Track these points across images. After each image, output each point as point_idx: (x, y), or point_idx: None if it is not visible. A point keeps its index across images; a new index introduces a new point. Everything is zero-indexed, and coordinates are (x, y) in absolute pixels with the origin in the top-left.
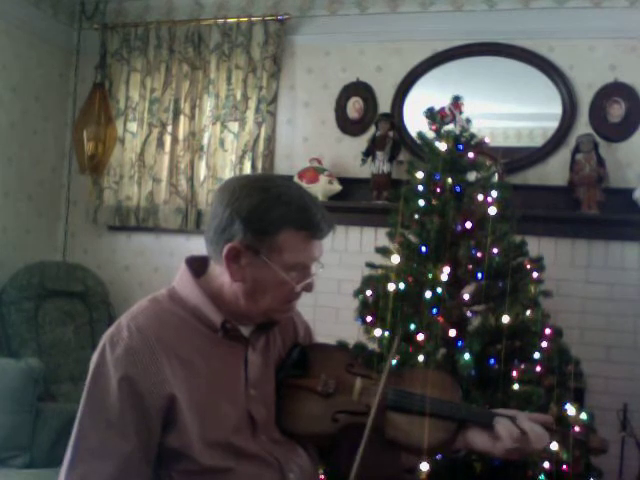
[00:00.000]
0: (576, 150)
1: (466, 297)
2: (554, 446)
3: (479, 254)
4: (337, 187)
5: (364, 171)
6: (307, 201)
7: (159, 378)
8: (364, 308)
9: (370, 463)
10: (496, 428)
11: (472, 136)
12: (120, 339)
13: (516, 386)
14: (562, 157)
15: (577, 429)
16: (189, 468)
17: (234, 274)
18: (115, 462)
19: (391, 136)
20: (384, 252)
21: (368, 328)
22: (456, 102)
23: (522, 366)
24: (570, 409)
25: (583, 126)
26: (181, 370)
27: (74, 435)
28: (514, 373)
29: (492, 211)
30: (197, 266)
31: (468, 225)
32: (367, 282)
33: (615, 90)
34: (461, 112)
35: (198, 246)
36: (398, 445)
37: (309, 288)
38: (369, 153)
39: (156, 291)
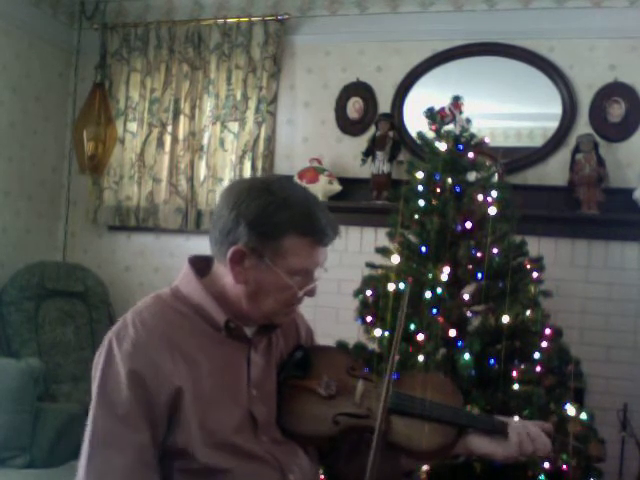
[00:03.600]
0: (576, 150)
1: (466, 297)
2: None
3: (479, 254)
4: (337, 187)
5: (364, 171)
6: (313, 206)
7: (165, 373)
8: (364, 308)
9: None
10: (510, 434)
11: (472, 136)
12: (127, 335)
13: (516, 386)
14: (562, 157)
15: (577, 433)
16: (190, 466)
17: (237, 276)
18: (130, 453)
19: (391, 136)
20: (384, 252)
21: (368, 328)
22: (456, 102)
23: (522, 366)
24: (570, 409)
25: (583, 126)
26: (184, 367)
27: (89, 431)
28: (514, 373)
29: (492, 211)
30: (200, 266)
31: (468, 225)
32: (367, 282)
33: (615, 90)
34: (461, 112)
35: (198, 246)
36: (398, 448)
37: (312, 293)
38: (369, 153)
39: (157, 290)
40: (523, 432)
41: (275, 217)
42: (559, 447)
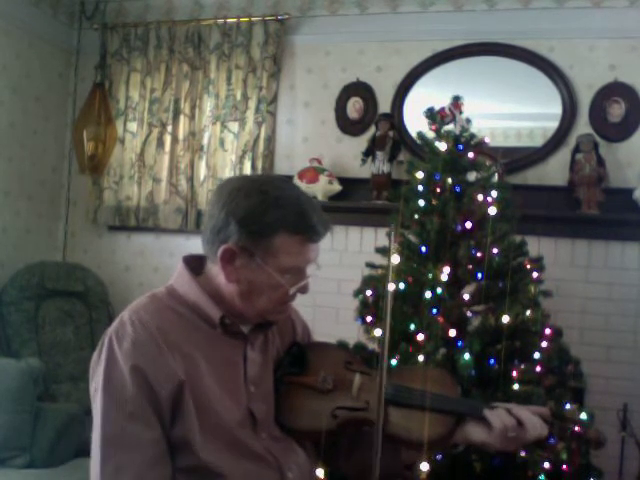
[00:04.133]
0: (576, 150)
1: (466, 297)
2: (552, 440)
3: (479, 254)
4: (337, 187)
5: (364, 171)
6: (304, 204)
7: (166, 368)
8: (364, 308)
9: (370, 459)
10: (490, 418)
11: (472, 136)
12: (125, 333)
13: (516, 386)
14: (562, 157)
15: (576, 429)
16: (190, 464)
17: (229, 275)
18: (145, 450)
19: (391, 136)
20: (384, 252)
21: (368, 328)
22: (456, 102)
23: (522, 366)
24: (570, 409)
25: (583, 126)
26: (182, 363)
27: (99, 432)
28: (514, 373)
29: (492, 211)
30: (194, 265)
31: (468, 225)
32: (367, 282)
33: (615, 90)
34: (461, 112)
35: (198, 246)
36: (398, 440)
37: (304, 290)
38: (369, 153)
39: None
40: (508, 415)
41: (266, 216)
42: (557, 432)
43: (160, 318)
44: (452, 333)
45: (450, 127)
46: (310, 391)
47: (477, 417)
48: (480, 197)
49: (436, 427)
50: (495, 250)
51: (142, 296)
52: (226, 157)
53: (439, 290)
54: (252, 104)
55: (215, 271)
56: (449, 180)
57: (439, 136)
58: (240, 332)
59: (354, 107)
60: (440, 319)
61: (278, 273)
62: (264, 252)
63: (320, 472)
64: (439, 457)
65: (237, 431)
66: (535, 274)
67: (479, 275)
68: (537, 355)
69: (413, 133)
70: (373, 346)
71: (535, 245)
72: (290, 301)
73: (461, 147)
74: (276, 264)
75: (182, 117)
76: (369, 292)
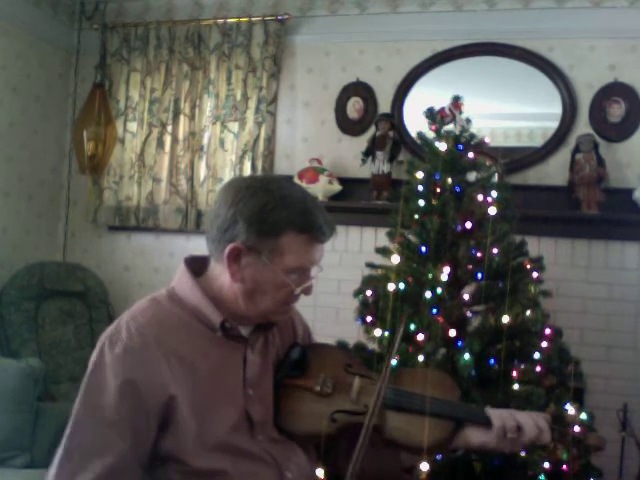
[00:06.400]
0: (576, 150)
1: (466, 297)
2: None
3: (479, 254)
4: (337, 187)
5: (364, 171)
6: (310, 204)
7: (158, 379)
8: (364, 308)
9: (369, 462)
10: (491, 416)
11: (472, 136)
12: (119, 339)
13: (516, 386)
14: (562, 157)
15: (577, 429)
16: (185, 469)
17: (234, 274)
18: (107, 460)
19: (391, 136)
20: (384, 252)
21: (368, 328)
22: (456, 102)
23: (522, 366)
24: (570, 409)
25: (583, 126)
26: (180, 369)
27: (68, 432)
28: (514, 373)
29: (492, 211)
30: (196, 266)
31: (468, 225)
32: (367, 282)
33: (615, 90)
34: (461, 112)
35: (198, 246)
36: (397, 444)
37: (308, 291)
38: (369, 153)
39: (156, 291)
40: (509, 418)
41: (273, 215)
42: (558, 437)
43: (159, 324)
44: (452, 333)
45: (450, 127)
46: (310, 394)
47: (477, 422)
48: (480, 197)
49: (436, 432)
50: (495, 250)
51: (142, 299)
52: (226, 157)
53: (439, 290)
54: (252, 104)
55: (219, 270)
56: (449, 180)
57: (439, 136)
58: (240, 335)
59: (354, 107)
60: (440, 319)
61: (284, 272)
62: (270, 251)
63: (320, 472)
64: (439, 457)
65: (232, 437)
66: (535, 274)
67: (479, 275)
68: (537, 355)
69: (413, 133)
70: (373, 346)
71: (535, 245)
72: (294, 302)
73: (461, 147)
74: (282, 263)
75: (182, 117)
76: (369, 292)
